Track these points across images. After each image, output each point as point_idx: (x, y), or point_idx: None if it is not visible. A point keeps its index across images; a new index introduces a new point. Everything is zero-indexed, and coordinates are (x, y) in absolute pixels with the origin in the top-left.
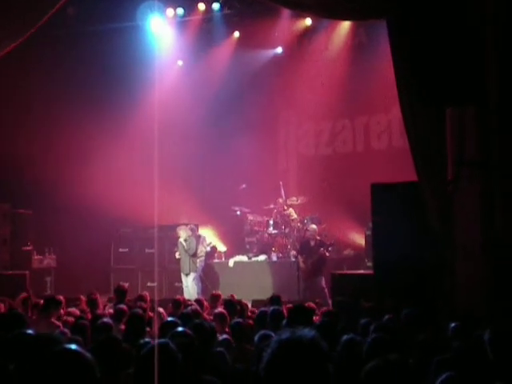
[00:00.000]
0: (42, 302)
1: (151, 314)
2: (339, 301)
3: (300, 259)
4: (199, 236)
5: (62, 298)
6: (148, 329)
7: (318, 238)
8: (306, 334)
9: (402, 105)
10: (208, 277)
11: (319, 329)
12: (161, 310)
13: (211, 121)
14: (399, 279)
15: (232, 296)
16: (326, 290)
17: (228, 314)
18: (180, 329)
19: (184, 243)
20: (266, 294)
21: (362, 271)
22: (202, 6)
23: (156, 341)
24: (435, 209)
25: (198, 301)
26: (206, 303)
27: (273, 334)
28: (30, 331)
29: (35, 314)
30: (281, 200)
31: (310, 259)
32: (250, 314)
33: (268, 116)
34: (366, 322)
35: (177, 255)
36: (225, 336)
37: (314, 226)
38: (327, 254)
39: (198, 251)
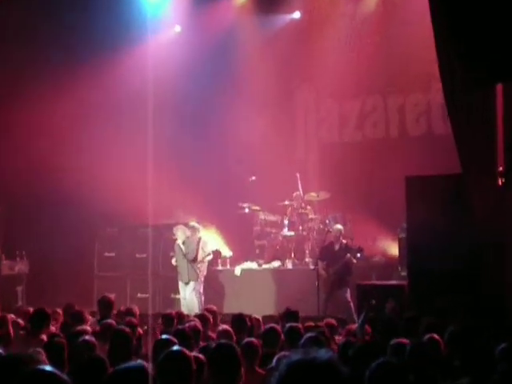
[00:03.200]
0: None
1: (141, 331)
2: (367, 315)
3: (320, 266)
4: (199, 238)
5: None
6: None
7: (344, 241)
8: (321, 356)
9: (444, 82)
10: (210, 287)
11: (342, 351)
12: (152, 327)
13: (213, 99)
14: (440, 291)
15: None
16: (352, 304)
17: (235, 332)
18: (176, 348)
19: (182, 246)
20: (279, 308)
21: (394, 281)
22: None
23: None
24: (483, 206)
25: (201, 316)
26: (211, 319)
27: None
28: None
29: (22, 329)
30: (298, 195)
31: (332, 267)
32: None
33: (282, 93)
34: (398, 342)
35: (173, 261)
36: None
37: (338, 227)
38: (354, 260)
39: (199, 256)
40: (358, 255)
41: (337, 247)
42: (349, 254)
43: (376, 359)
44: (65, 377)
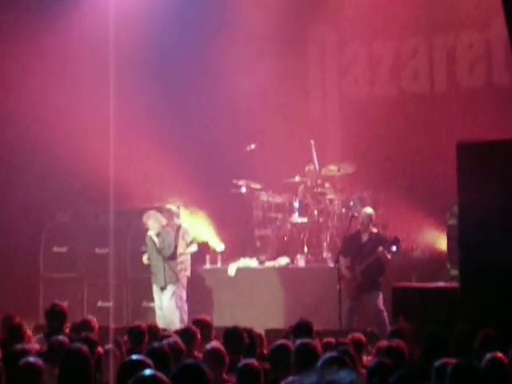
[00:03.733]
0: None
1: (102, 350)
2: (404, 329)
3: (343, 264)
4: (179, 227)
5: None
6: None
7: (374, 229)
8: (343, 379)
9: (509, 15)
10: (195, 292)
11: (374, 374)
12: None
13: (200, 41)
14: (502, 296)
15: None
16: (385, 314)
17: (228, 352)
18: (148, 372)
19: (155, 239)
20: (287, 320)
21: (442, 283)
22: None
23: None
24: None
25: (184, 331)
26: (199, 336)
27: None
28: None
29: None
30: (312, 169)
31: (359, 264)
32: (266, 352)
33: (292, 32)
34: (445, 364)
35: (145, 259)
36: None
37: (368, 211)
38: (388, 256)
39: (179, 250)
40: (394, 248)
41: (365, 238)
42: (381, 247)
43: None
44: None
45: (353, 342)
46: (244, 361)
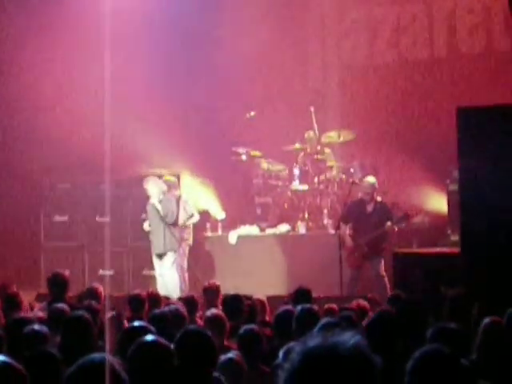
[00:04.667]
0: None
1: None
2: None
3: (343, 230)
4: (179, 196)
5: None
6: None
7: (379, 198)
8: (346, 341)
9: None
10: (196, 260)
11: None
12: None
13: (197, 6)
14: (503, 262)
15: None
16: (386, 280)
17: (229, 318)
18: (150, 338)
19: (158, 205)
20: (287, 286)
21: (442, 249)
22: None
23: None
24: None
25: (188, 299)
26: (202, 302)
27: None
28: None
29: None
30: (312, 136)
31: (363, 234)
32: (267, 318)
33: None
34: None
35: (146, 226)
36: (230, 355)
37: (371, 180)
38: (396, 229)
39: (180, 222)
40: (403, 225)
41: (369, 208)
42: (389, 223)
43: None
44: (20, 366)
45: (358, 308)
46: (244, 326)
